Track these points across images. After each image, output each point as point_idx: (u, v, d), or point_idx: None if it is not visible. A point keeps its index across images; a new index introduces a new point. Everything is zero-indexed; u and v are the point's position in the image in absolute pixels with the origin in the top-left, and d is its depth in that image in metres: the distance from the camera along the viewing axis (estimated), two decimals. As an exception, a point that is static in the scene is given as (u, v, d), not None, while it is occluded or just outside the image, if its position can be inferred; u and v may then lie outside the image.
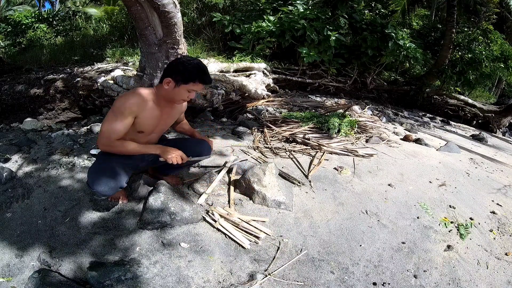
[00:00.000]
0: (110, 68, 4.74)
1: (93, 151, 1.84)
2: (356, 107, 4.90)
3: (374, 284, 1.59)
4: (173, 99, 1.69)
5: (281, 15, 5.70)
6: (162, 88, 1.64)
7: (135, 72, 3.94)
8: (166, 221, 1.77)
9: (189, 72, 1.58)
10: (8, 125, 3.67)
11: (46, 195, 1.99)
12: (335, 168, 2.73)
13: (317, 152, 3.03)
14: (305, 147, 3.13)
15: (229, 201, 2.05)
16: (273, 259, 1.65)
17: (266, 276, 1.53)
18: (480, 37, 7.81)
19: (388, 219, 2.12)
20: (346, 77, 6.98)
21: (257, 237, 1.76)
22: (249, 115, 4.25)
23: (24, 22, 7.84)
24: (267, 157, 2.82)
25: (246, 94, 4.45)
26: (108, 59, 5.53)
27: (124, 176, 1.69)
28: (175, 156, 1.69)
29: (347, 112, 4.20)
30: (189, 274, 1.50)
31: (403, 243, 1.91)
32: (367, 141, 3.64)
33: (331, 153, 3.07)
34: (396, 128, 4.91)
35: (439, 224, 2.15)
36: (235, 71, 5.01)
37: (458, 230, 2.12)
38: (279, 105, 4.81)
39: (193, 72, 1.59)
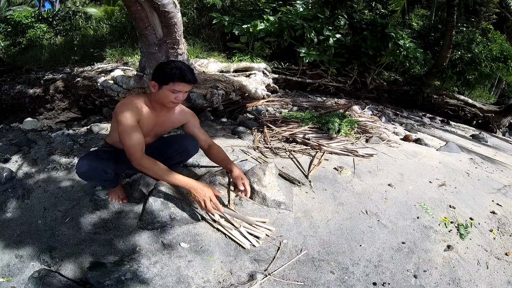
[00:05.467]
0: (110, 68, 4.74)
1: (93, 149, 1.87)
2: (356, 107, 4.90)
3: (374, 284, 1.59)
4: (161, 102, 1.70)
5: (280, 15, 5.71)
6: (151, 91, 1.69)
7: (135, 72, 3.94)
8: (166, 221, 1.77)
9: (167, 72, 1.60)
10: (8, 125, 3.67)
11: (46, 195, 1.98)
12: (335, 168, 2.73)
13: (317, 152, 3.03)
14: (305, 147, 3.13)
15: (229, 201, 2.05)
16: (273, 259, 1.65)
17: (266, 276, 1.53)
18: (479, 36, 7.81)
19: (388, 219, 2.12)
20: (346, 77, 6.98)
21: (257, 237, 1.76)
22: (249, 115, 4.25)
23: (24, 22, 7.84)
24: (267, 157, 2.82)
25: (246, 94, 4.45)
26: (108, 59, 5.53)
27: (111, 163, 1.70)
28: (203, 199, 1.59)
29: (347, 112, 4.20)
30: (189, 274, 1.50)
31: (403, 243, 1.91)
32: (367, 141, 3.64)
33: (331, 153, 3.06)
34: (396, 128, 4.91)
35: (439, 224, 2.15)
36: (235, 71, 5.01)
37: (458, 230, 2.12)
38: (279, 105, 4.81)
39: (171, 72, 1.60)
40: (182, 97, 1.69)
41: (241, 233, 1.76)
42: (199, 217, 1.86)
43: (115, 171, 1.76)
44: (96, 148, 1.87)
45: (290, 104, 4.91)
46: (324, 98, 6.10)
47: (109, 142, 1.89)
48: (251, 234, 1.77)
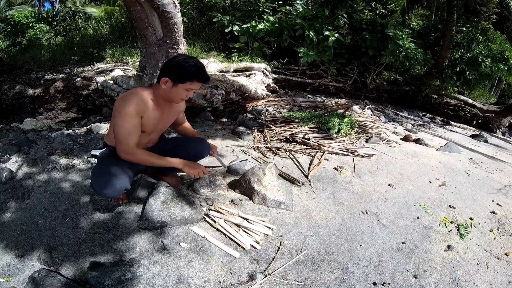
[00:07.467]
0: (110, 68, 4.74)
1: (94, 152, 1.83)
2: (356, 107, 4.90)
3: (374, 284, 1.59)
4: (171, 99, 1.67)
5: (280, 15, 5.71)
6: (160, 87, 1.62)
7: (135, 72, 3.94)
8: (166, 221, 1.77)
9: (186, 71, 1.56)
10: (8, 125, 3.67)
11: (46, 195, 1.98)
12: (335, 168, 2.73)
13: (317, 152, 3.03)
14: (305, 147, 3.13)
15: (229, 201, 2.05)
16: (273, 259, 1.65)
17: (266, 276, 1.53)
18: (479, 36, 7.81)
19: (388, 219, 2.12)
20: (346, 77, 6.99)
21: (257, 238, 1.76)
22: (249, 115, 4.25)
23: (24, 22, 7.83)
24: (267, 157, 2.82)
25: (246, 94, 4.45)
26: (108, 59, 5.53)
27: (128, 176, 1.68)
28: (197, 171, 1.75)
29: (347, 112, 4.20)
30: (189, 274, 1.50)
31: (403, 243, 1.91)
32: (367, 141, 3.64)
33: (331, 153, 3.07)
34: (396, 128, 4.91)
35: (439, 224, 2.15)
36: (235, 71, 5.01)
37: (458, 230, 2.12)
38: (279, 105, 4.81)
39: (190, 71, 1.56)
40: (192, 95, 1.68)
41: (240, 233, 1.77)
42: (199, 217, 1.86)
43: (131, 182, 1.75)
44: (102, 153, 1.80)
45: (290, 104, 4.91)
46: (324, 98, 6.10)
47: (109, 143, 1.82)
48: (251, 235, 1.77)
